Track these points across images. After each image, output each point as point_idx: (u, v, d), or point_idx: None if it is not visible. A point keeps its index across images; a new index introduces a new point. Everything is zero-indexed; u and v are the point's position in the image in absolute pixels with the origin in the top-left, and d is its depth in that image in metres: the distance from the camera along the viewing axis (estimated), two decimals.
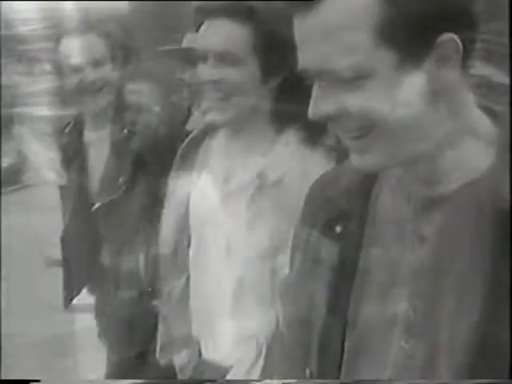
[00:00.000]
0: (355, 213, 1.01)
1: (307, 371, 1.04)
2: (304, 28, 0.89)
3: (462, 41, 0.87)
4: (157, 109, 2.13)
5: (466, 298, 0.88)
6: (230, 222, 1.59)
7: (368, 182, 1.02)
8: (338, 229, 1.02)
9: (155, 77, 2.11)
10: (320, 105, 0.90)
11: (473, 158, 0.92)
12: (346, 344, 0.99)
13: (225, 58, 1.51)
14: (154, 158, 2.06)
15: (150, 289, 1.99)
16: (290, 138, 1.56)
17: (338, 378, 1.00)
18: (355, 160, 0.94)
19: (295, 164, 1.52)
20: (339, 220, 1.02)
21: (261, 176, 1.55)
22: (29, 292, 3.86)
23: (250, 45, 1.50)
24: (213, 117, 1.56)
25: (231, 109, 1.53)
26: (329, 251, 1.03)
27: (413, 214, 0.96)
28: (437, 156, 0.92)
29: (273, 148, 1.57)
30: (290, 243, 1.17)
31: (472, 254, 0.88)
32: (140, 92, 2.15)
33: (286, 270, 1.17)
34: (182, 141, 1.76)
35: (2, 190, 5.74)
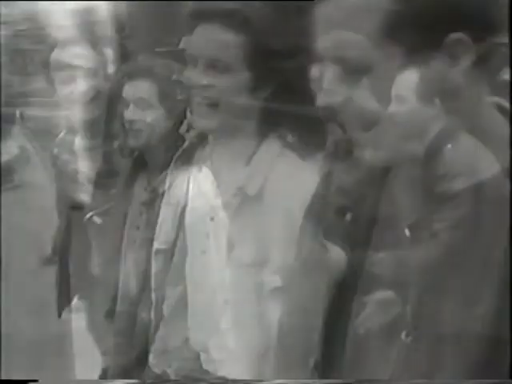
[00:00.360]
0: (365, 210, 1.02)
1: (311, 361, 1.05)
2: (321, 14, 0.91)
3: (477, 42, 0.87)
4: (156, 108, 2.12)
5: (473, 294, 0.89)
6: (219, 234, 1.58)
7: (378, 178, 1.03)
8: (347, 225, 1.03)
9: (155, 77, 2.10)
10: (328, 95, 0.92)
11: (484, 156, 0.93)
12: (348, 340, 1.01)
13: (215, 65, 1.50)
14: (154, 158, 2.06)
15: (143, 298, 1.94)
16: (273, 146, 1.55)
17: (340, 373, 1.01)
18: (363, 154, 0.95)
19: (276, 174, 1.51)
20: (348, 212, 1.03)
21: (241, 190, 1.54)
22: (28, 292, 3.85)
23: (241, 54, 1.49)
24: (201, 123, 1.56)
25: (218, 116, 1.52)
26: (335, 245, 1.03)
27: (423, 210, 0.96)
28: (447, 153, 0.93)
29: (254, 158, 1.55)
30: (274, 256, 1.21)
31: (480, 250, 0.89)
32: (139, 92, 2.14)
33: (274, 283, 1.19)
34: (182, 141, 1.76)
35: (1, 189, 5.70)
